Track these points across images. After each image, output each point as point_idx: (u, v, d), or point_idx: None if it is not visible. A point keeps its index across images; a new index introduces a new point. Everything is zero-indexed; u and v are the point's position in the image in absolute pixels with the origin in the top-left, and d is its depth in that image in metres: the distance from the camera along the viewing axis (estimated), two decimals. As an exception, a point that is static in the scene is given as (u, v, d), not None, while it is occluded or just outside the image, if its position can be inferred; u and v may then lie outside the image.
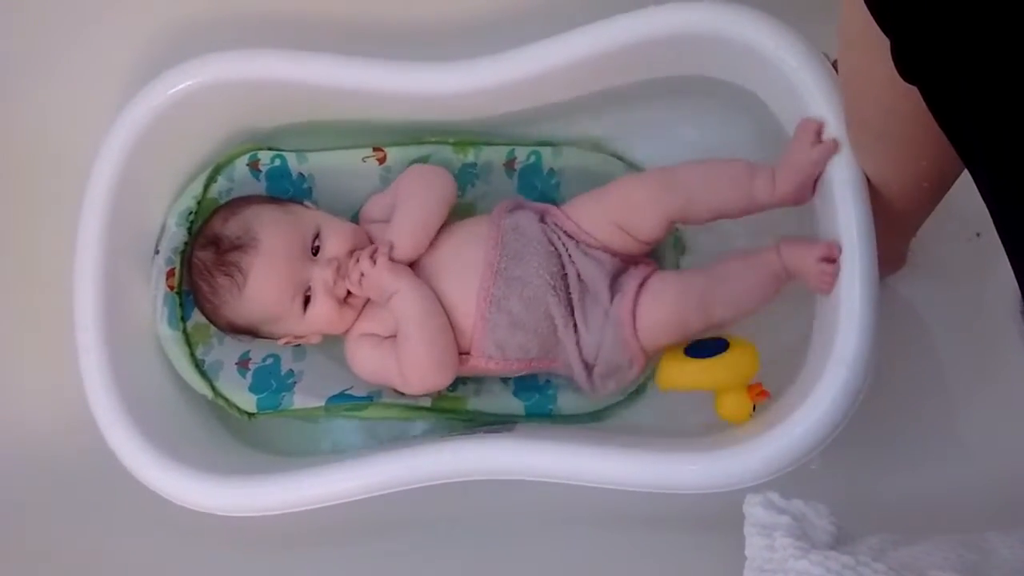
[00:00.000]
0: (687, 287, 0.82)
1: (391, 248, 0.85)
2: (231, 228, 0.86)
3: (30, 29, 0.95)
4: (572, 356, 0.84)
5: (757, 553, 0.60)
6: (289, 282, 0.84)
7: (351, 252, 0.86)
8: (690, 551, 0.82)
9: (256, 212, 0.86)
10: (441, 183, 0.89)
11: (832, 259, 0.76)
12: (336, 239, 0.86)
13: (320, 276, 0.84)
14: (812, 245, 0.77)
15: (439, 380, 0.85)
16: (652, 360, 0.86)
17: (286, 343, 0.89)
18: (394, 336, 0.86)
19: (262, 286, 0.84)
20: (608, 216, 0.85)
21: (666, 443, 0.81)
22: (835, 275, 0.75)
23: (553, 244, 0.85)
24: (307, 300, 0.85)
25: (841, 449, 0.75)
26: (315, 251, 0.86)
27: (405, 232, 0.86)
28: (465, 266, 0.85)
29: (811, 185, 0.79)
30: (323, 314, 0.85)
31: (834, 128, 0.76)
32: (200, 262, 0.87)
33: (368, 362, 0.87)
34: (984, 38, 0.48)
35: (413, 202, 0.87)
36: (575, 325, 0.84)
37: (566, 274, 0.84)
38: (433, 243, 0.87)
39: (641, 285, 0.83)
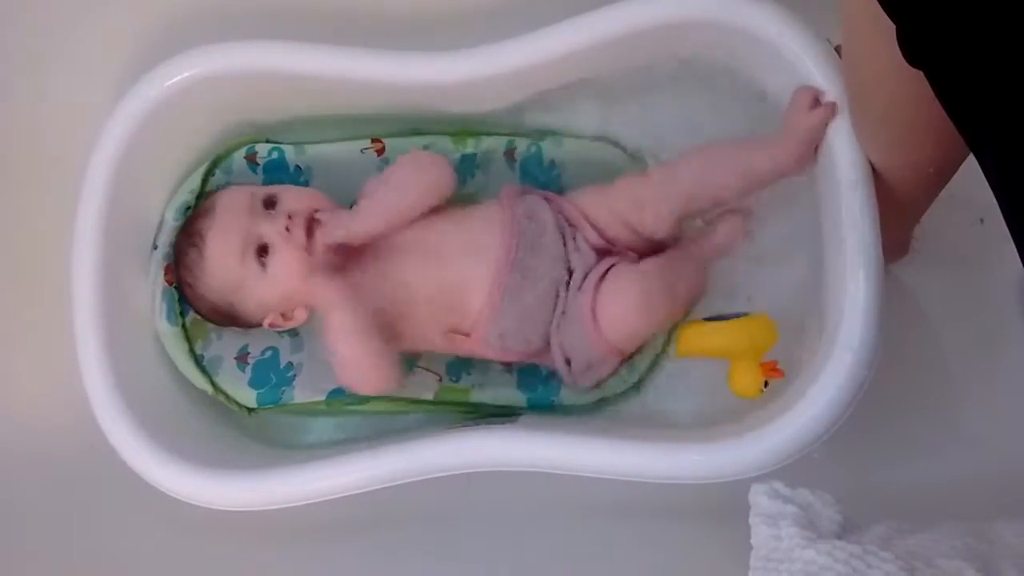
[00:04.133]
0: (645, 274, 0.82)
1: (337, 230, 0.82)
2: (200, 208, 0.87)
3: (25, 22, 0.94)
4: (556, 348, 0.84)
5: (763, 543, 0.60)
6: (240, 236, 0.83)
7: (314, 210, 0.84)
8: (695, 541, 0.82)
9: (222, 190, 0.88)
10: (434, 170, 0.87)
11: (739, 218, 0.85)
12: (292, 196, 0.86)
13: (272, 227, 0.83)
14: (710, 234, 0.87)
15: (373, 388, 0.83)
16: (635, 355, 0.87)
17: (271, 324, 0.87)
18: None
19: (217, 245, 0.84)
20: (615, 214, 0.85)
21: (670, 433, 0.81)
22: (744, 228, 0.87)
23: (562, 234, 0.85)
24: (264, 253, 0.83)
25: (846, 437, 0.75)
26: (271, 208, 0.85)
27: (361, 216, 0.83)
28: (478, 248, 0.84)
29: (811, 153, 0.79)
30: (285, 264, 0.83)
31: (838, 117, 0.76)
32: (176, 247, 0.88)
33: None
34: (992, 22, 0.47)
35: (392, 186, 0.85)
36: (556, 318, 0.84)
37: (570, 266, 0.85)
38: (443, 223, 0.86)
39: (602, 279, 0.82)
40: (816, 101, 0.77)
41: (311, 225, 0.84)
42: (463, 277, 0.84)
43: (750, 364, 0.80)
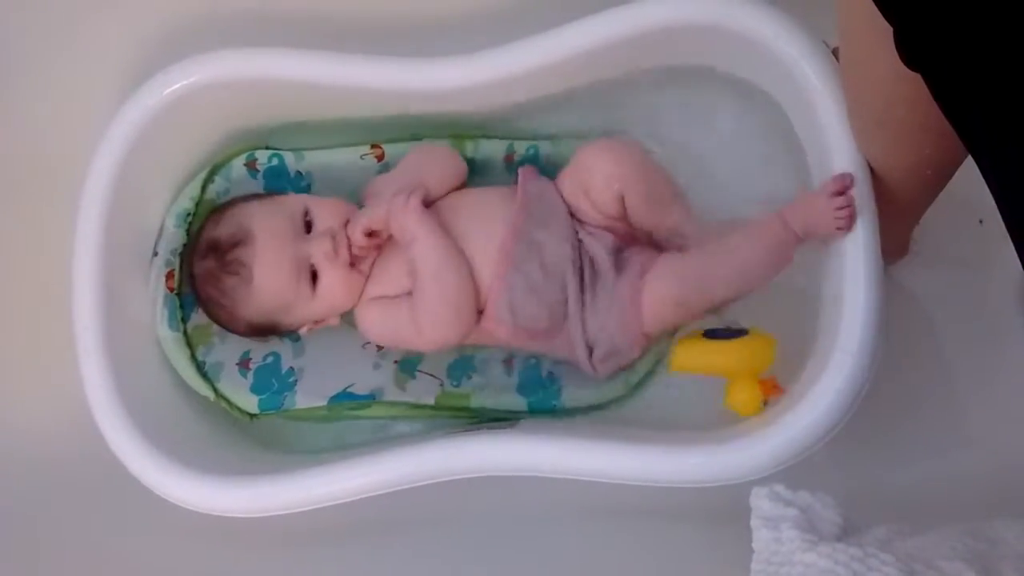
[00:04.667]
0: (691, 268, 0.81)
1: (425, 192, 0.84)
2: (224, 229, 0.86)
3: (24, 30, 0.95)
4: (576, 335, 0.84)
5: (764, 546, 0.60)
6: (291, 263, 0.84)
7: (345, 223, 0.86)
8: (696, 544, 0.82)
9: (243, 208, 0.87)
10: (445, 156, 0.90)
11: (842, 191, 0.75)
12: (325, 212, 0.86)
13: (319, 249, 0.84)
14: (817, 191, 0.77)
15: (453, 332, 0.84)
16: (654, 344, 0.87)
17: (308, 330, 0.88)
18: (405, 293, 0.85)
19: (268, 274, 0.84)
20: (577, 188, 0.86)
21: (671, 437, 0.81)
22: (851, 205, 0.74)
23: (573, 216, 0.86)
24: (313, 278, 0.85)
25: (846, 440, 0.75)
26: (308, 228, 0.86)
27: (434, 175, 0.87)
28: (487, 224, 0.84)
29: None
30: (334, 285, 0.85)
31: (834, 120, 0.76)
32: (204, 271, 0.87)
33: (380, 323, 0.87)
34: (989, 24, 0.47)
35: (423, 163, 0.89)
36: (583, 303, 0.84)
37: (582, 247, 0.85)
38: (454, 200, 0.87)
39: (644, 266, 0.82)
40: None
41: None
42: (475, 254, 0.84)
43: (749, 382, 0.79)
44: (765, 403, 0.79)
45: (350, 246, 0.85)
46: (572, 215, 0.86)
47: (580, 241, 0.85)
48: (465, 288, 0.83)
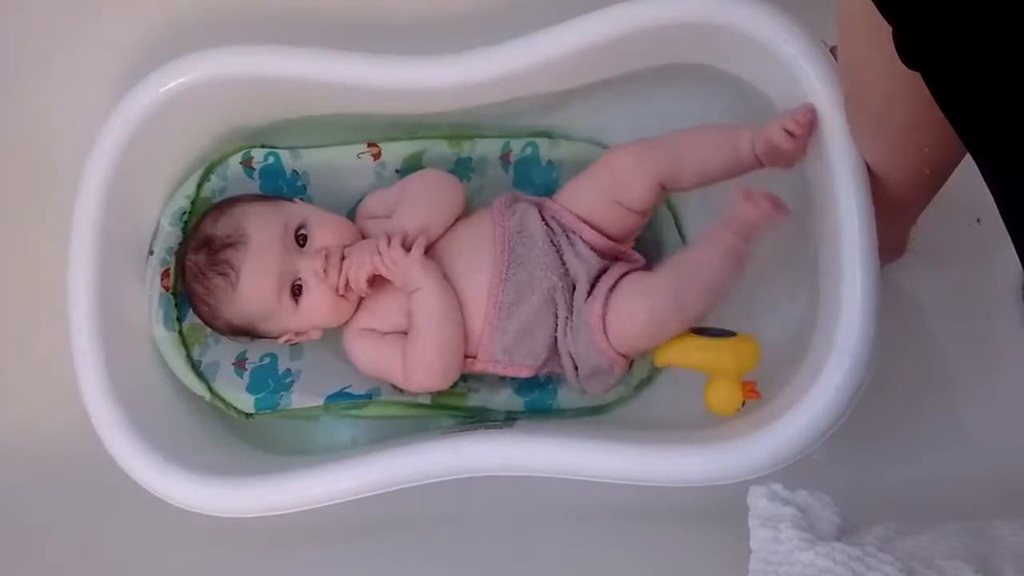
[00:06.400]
0: (657, 288, 0.81)
1: (427, 238, 0.84)
2: (221, 227, 0.85)
3: (20, 28, 0.94)
4: (564, 356, 0.84)
5: (762, 545, 0.59)
6: (277, 274, 0.83)
7: (344, 246, 0.85)
8: (694, 544, 0.82)
9: (244, 210, 0.86)
10: (451, 189, 0.88)
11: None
12: (324, 230, 0.86)
13: (309, 266, 0.84)
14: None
15: (441, 383, 0.85)
16: (636, 361, 0.86)
17: (286, 341, 0.88)
18: (395, 332, 0.86)
19: (253, 281, 0.83)
20: (600, 191, 0.84)
21: (668, 437, 0.81)
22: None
23: (555, 243, 0.85)
24: (297, 292, 0.84)
25: (844, 439, 0.75)
26: (302, 241, 0.85)
27: (432, 218, 0.85)
28: (473, 269, 0.84)
29: (790, 156, 0.78)
30: (318, 305, 0.84)
31: (832, 119, 0.76)
32: (194, 265, 0.86)
33: (367, 358, 0.87)
34: (988, 22, 0.47)
35: (425, 198, 0.87)
36: (568, 327, 0.83)
37: (567, 271, 0.84)
38: (442, 245, 0.86)
39: (612, 288, 0.82)
40: (807, 126, 0.77)
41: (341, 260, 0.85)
42: (464, 295, 0.84)
43: (730, 382, 0.79)
44: (743, 405, 0.79)
45: (348, 281, 0.84)
46: (565, 230, 0.85)
47: (565, 265, 0.84)
48: (460, 343, 0.83)
